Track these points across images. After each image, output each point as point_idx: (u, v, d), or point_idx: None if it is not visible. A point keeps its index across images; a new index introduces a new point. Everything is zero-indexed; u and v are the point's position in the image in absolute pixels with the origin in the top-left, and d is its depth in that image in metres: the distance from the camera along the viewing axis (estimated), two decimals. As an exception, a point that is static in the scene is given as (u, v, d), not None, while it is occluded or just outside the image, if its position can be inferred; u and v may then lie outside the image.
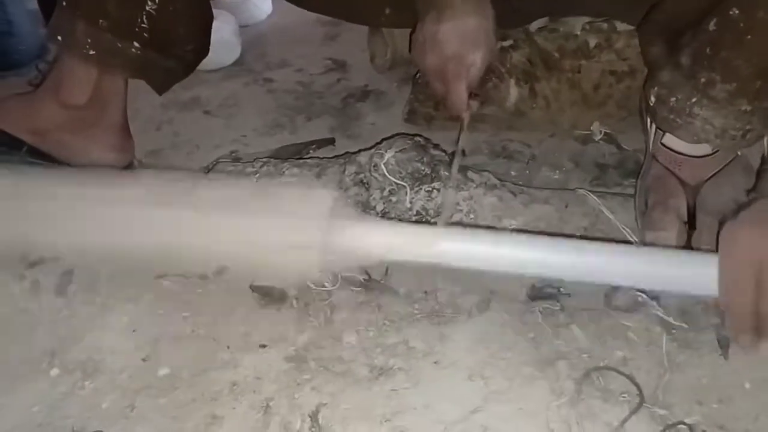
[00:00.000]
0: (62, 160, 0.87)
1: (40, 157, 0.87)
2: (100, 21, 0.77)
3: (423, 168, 0.74)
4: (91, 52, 0.78)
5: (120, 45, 0.78)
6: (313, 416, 0.59)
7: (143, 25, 0.77)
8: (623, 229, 0.71)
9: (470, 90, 0.79)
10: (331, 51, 1.28)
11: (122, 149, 0.89)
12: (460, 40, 0.76)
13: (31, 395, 0.63)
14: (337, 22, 1.34)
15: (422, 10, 0.79)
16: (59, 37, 0.79)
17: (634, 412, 0.57)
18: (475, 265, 0.62)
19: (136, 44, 0.78)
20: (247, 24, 1.35)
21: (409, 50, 0.83)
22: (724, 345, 0.63)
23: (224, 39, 1.18)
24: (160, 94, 0.87)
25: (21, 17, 1.25)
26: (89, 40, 0.77)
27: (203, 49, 0.88)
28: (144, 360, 0.66)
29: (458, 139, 0.77)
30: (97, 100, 0.83)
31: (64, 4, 0.78)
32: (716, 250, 0.59)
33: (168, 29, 0.80)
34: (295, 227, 0.60)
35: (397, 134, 0.79)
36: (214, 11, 0.89)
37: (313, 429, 0.58)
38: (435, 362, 0.63)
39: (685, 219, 0.67)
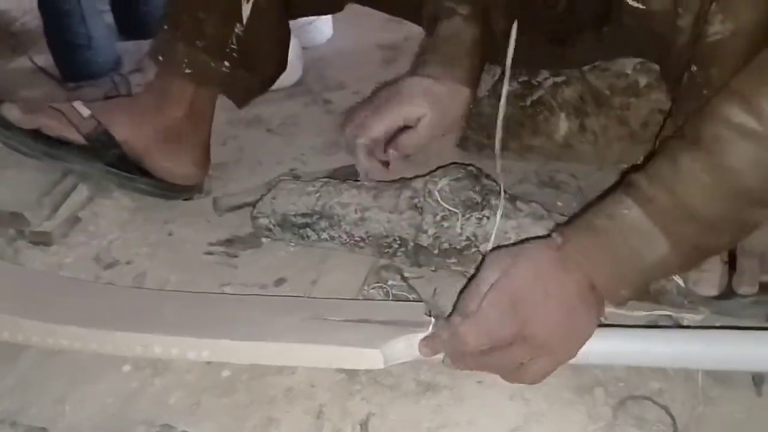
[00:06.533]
0: (145, 168, 0.94)
1: (123, 169, 0.94)
2: (197, 42, 0.85)
3: (475, 196, 0.78)
4: (188, 71, 0.87)
5: (213, 64, 0.87)
6: (363, 424, 0.64)
7: (233, 46, 0.86)
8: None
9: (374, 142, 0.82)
10: (387, 75, 1.31)
11: (202, 166, 0.97)
12: (395, 91, 0.83)
13: (106, 389, 0.69)
14: (394, 46, 1.39)
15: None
16: (160, 57, 0.89)
17: (667, 441, 0.61)
18: None
19: (226, 63, 0.87)
20: (308, 46, 1.41)
21: None
22: (758, 382, 0.65)
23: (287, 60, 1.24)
24: (241, 108, 0.96)
25: (99, 32, 1.34)
26: (186, 60, 0.86)
27: (282, 65, 0.97)
28: (208, 362, 0.71)
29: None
30: (191, 115, 0.92)
31: (166, 27, 0.88)
32: (757, 293, 0.62)
33: (254, 49, 0.88)
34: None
35: (452, 163, 0.83)
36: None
37: (363, 436, 0.63)
38: (478, 381, 0.67)
39: (726, 260, 0.70)
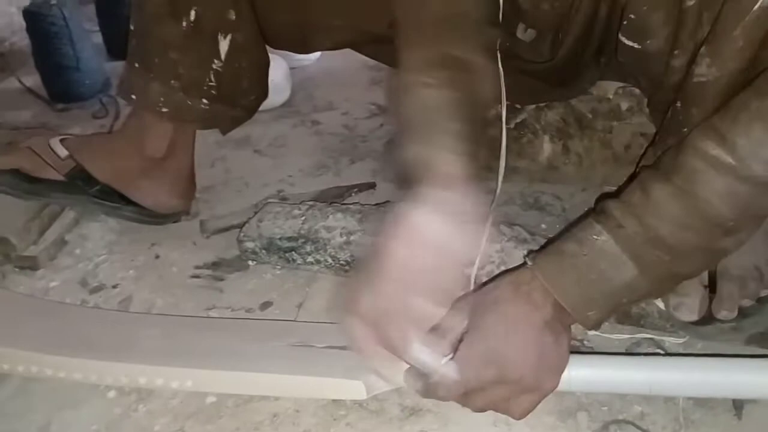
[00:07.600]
0: (129, 199, 0.94)
1: (108, 200, 0.94)
2: (172, 82, 0.83)
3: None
4: (164, 110, 0.85)
5: (190, 102, 0.84)
6: (348, 451, 0.64)
7: (210, 83, 0.83)
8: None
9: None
10: (375, 96, 1.34)
11: (186, 196, 0.97)
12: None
13: (91, 415, 0.69)
14: (381, 67, 1.40)
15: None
16: (133, 96, 0.86)
17: (648, 465, 0.61)
18: None
19: (204, 101, 0.85)
20: (296, 66, 1.42)
21: None
22: (738, 406, 0.66)
23: (276, 82, 1.25)
24: (224, 134, 0.94)
25: (88, 53, 1.35)
26: (162, 99, 0.84)
27: (264, 93, 0.94)
28: (193, 388, 0.71)
29: None
30: (172, 152, 0.91)
31: (137, 65, 0.84)
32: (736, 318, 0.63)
33: (233, 84, 0.86)
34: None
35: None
36: (266, 54, 0.95)
37: (347, 463, 0.63)
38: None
39: (706, 283, 0.71)
